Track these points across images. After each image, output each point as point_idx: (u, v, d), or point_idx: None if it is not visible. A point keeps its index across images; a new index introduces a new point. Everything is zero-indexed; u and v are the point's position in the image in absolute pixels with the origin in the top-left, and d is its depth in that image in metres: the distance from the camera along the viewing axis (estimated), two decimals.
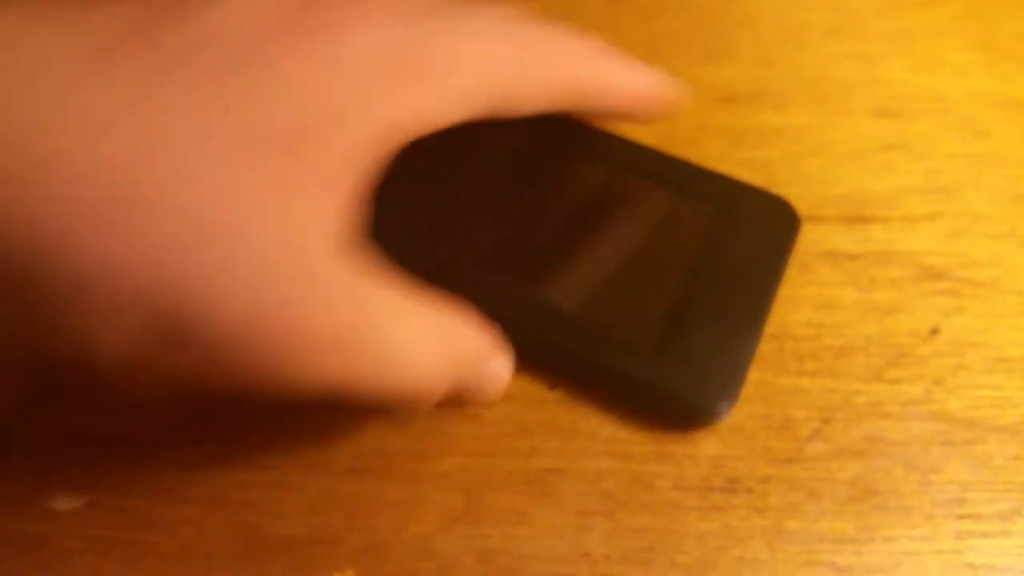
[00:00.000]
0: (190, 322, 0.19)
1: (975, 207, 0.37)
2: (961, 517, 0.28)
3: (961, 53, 0.44)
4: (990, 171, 0.38)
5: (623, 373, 0.29)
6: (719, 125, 0.38)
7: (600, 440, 0.29)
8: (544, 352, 0.29)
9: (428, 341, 0.24)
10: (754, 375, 0.31)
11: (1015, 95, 0.42)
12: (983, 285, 0.34)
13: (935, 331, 0.33)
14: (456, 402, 0.27)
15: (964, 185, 0.37)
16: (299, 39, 0.21)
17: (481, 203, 0.32)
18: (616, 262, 0.31)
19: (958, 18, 0.45)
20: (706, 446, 0.29)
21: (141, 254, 0.19)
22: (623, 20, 0.43)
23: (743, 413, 0.30)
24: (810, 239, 0.35)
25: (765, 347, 0.31)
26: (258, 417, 0.28)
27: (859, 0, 0.46)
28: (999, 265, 0.35)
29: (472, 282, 0.29)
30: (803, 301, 0.33)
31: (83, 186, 0.19)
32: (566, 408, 0.30)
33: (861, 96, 0.40)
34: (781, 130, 0.38)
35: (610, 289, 0.31)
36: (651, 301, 0.31)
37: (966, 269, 0.35)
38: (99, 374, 0.21)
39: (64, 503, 0.27)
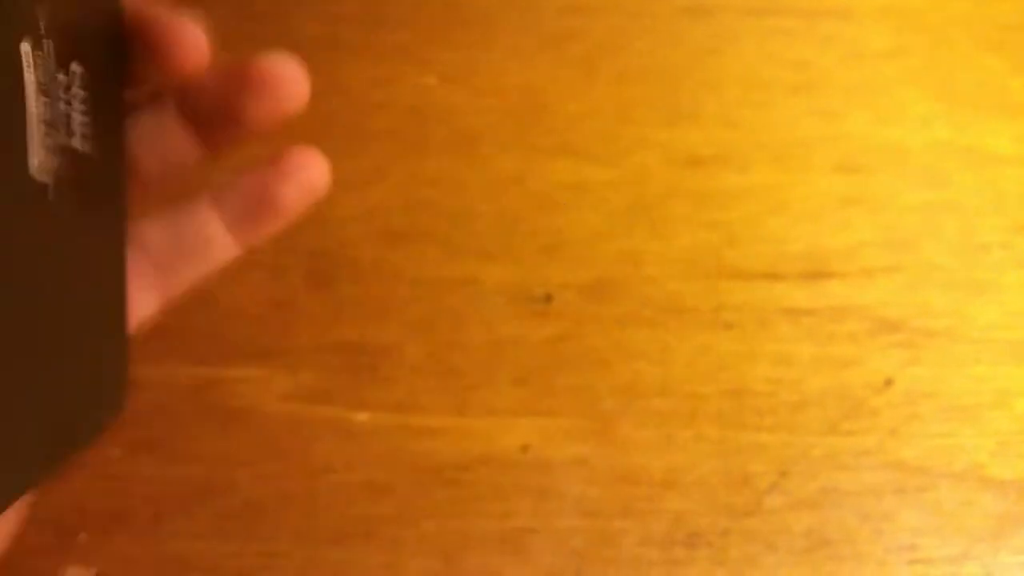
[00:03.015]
0: None
1: (933, 258, 0.38)
2: (912, 562, 0.30)
3: (923, 104, 0.45)
4: (948, 220, 0.40)
5: None
6: (685, 188, 0.40)
7: (570, 499, 0.31)
8: None
9: None
10: (714, 432, 0.33)
11: (975, 143, 0.44)
12: (938, 335, 0.36)
13: (889, 382, 0.34)
14: None
15: (922, 236, 0.39)
16: None
17: None
18: None
19: (920, 69, 0.47)
20: (669, 502, 0.31)
21: None
22: (597, 87, 0.45)
23: (705, 468, 0.32)
24: (768, 296, 0.36)
25: (725, 404, 0.33)
26: (248, 491, 0.31)
27: (823, 55, 0.48)
28: (955, 314, 0.37)
29: None
30: (762, 357, 0.35)
31: None
32: (538, 470, 0.32)
33: (822, 152, 0.42)
34: (743, 191, 0.40)
35: None
36: None
37: (922, 320, 0.36)
38: None
39: (75, 575, 0.30)
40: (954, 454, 0.32)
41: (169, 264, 0.24)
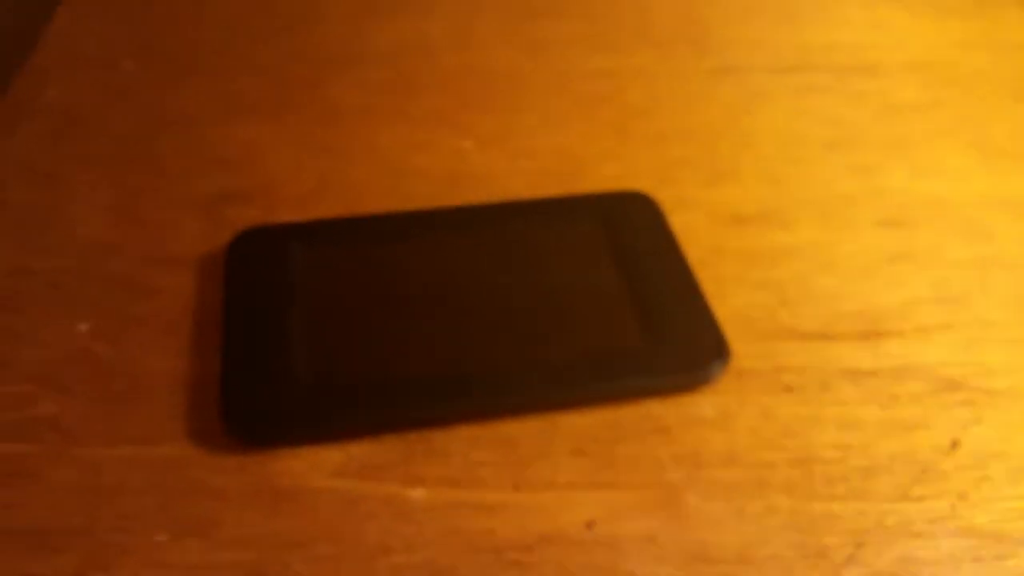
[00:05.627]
0: None
1: (986, 314, 0.38)
2: None
3: (959, 156, 0.45)
4: (997, 274, 0.40)
5: (632, 373, 0.34)
6: (731, 247, 0.40)
7: None
8: (562, 394, 0.34)
9: None
10: (786, 503, 0.32)
11: (1015, 194, 0.44)
12: (1000, 394, 0.35)
13: (956, 444, 0.33)
14: None
15: (973, 292, 0.39)
16: None
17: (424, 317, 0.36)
18: (562, 302, 0.36)
19: (953, 121, 0.47)
20: None
21: None
22: (631, 150, 0.45)
23: (779, 542, 0.31)
24: (827, 357, 0.36)
25: (794, 472, 0.32)
26: None
27: (854, 110, 0.48)
28: (1015, 372, 0.36)
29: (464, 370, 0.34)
30: (827, 422, 0.34)
31: None
32: (605, 546, 0.31)
33: (864, 208, 0.42)
34: (791, 249, 0.40)
35: (575, 322, 0.35)
36: (610, 313, 0.36)
37: (982, 378, 0.36)
38: None
39: None
40: None
41: None
